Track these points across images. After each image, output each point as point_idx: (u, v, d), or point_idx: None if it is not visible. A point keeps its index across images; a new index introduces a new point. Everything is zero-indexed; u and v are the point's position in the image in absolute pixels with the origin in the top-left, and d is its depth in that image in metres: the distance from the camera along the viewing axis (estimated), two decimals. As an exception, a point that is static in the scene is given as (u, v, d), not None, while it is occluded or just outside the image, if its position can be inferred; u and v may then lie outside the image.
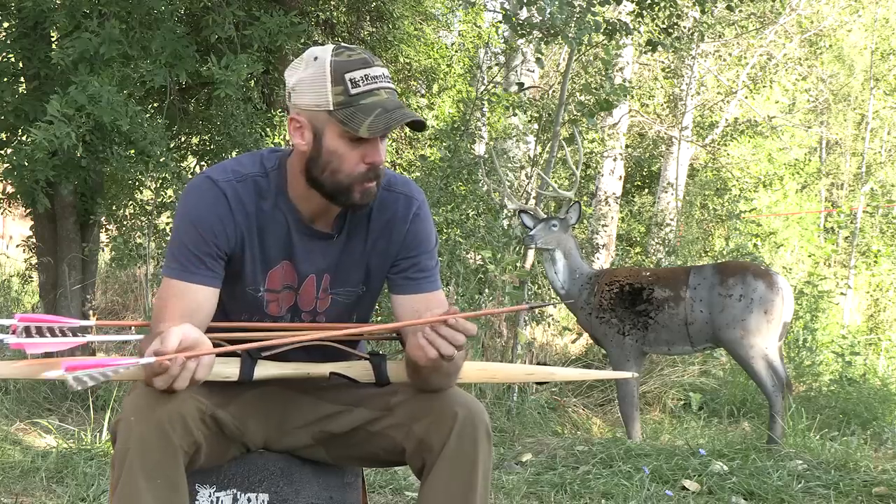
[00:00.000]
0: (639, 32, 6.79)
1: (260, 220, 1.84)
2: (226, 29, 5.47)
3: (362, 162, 1.76)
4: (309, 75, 1.76)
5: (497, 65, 8.72)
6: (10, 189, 5.60)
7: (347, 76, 1.73)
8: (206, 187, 1.81)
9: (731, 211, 9.76)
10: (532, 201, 6.00)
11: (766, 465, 3.93)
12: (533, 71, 8.28)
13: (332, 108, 1.73)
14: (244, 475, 1.89)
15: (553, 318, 7.18)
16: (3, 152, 5.31)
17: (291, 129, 1.80)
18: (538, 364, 2.33)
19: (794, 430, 4.63)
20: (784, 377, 4.52)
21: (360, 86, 1.73)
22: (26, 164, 4.76)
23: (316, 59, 1.76)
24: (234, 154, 5.90)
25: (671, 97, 10.98)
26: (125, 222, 5.90)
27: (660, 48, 6.47)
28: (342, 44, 1.82)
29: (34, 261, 5.96)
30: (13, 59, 5.18)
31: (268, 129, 6.39)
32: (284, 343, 1.79)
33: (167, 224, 5.99)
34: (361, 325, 1.98)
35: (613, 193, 9.61)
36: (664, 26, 6.48)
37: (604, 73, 6.55)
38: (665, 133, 10.77)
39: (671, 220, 9.51)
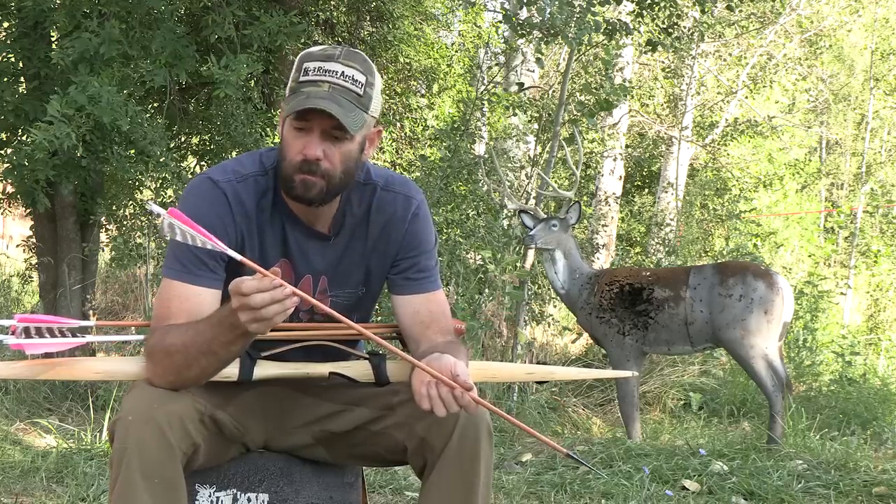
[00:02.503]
0: (639, 32, 6.78)
1: (259, 218, 1.84)
2: (226, 29, 5.46)
3: (300, 152, 1.75)
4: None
5: (497, 65, 8.72)
6: (10, 189, 5.59)
7: (305, 65, 1.75)
8: (206, 188, 1.82)
9: (731, 211, 9.76)
10: (532, 201, 6.00)
11: (766, 465, 3.92)
12: (533, 71, 8.28)
13: (286, 95, 1.77)
14: (244, 475, 1.89)
15: (553, 318, 7.18)
16: (3, 152, 5.30)
17: (280, 120, 1.83)
18: (538, 363, 2.33)
19: (794, 430, 4.63)
20: (784, 377, 4.52)
21: (308, 74, 1.73)
22: (26, 164, 4.75)
23: None
24: (234, 154, 5.90)
25: (671, 97, 10.97)
26: (125, 222, 5.89)
27: (660, 48, 6.47)
28: (344, 45, 1.83)
29: (34, 261, 5.95)
30: (13, 59, 5.17)
31: (268, 129, 6.39)
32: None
33: (167, 224, 5.97)
34: (364, 324, 1.98)
35: (613, 193, 9.60)
36: (664, 26, 6.48)
37: (604, 73, 6.54)
38: (665, 133, 10.77)
39: (671, 220, 9.51)
